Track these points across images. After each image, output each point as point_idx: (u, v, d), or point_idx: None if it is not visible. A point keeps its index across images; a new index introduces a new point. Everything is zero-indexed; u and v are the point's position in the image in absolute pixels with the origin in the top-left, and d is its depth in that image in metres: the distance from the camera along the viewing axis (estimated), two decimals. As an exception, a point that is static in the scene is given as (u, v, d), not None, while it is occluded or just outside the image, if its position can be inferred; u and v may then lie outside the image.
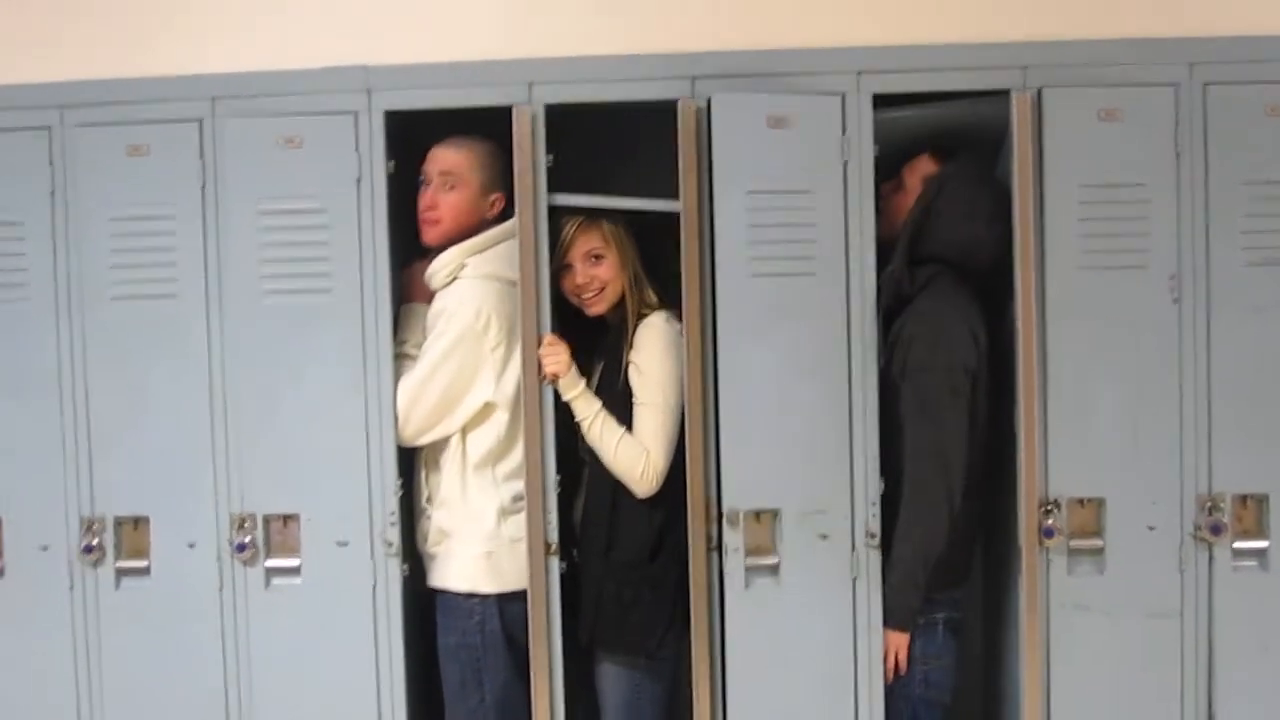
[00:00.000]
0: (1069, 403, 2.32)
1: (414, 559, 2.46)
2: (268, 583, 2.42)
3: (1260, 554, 2.33)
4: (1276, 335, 2.32)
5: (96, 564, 2.43)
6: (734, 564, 2.31)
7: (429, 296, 2.44)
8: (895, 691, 2.35)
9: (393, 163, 2.38)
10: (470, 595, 2.37)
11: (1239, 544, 2.33)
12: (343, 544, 2.39)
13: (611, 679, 2.41)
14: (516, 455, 2.38)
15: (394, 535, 2.38)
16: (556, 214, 2.38)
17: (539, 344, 2.35)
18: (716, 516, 2.32)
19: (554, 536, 2.36)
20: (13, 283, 2.43)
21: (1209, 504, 2.32)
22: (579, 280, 2.42)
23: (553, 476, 2.36)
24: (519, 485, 2.37)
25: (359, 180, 2.36)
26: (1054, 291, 2.31)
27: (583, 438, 2.39)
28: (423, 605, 2.46)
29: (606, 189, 2.41)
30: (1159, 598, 2.32)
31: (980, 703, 2.66)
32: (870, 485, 2.32)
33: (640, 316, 2.42)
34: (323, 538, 2.40)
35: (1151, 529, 2.32)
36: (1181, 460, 2.32)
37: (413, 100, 2.38)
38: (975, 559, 2.51)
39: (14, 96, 2.43)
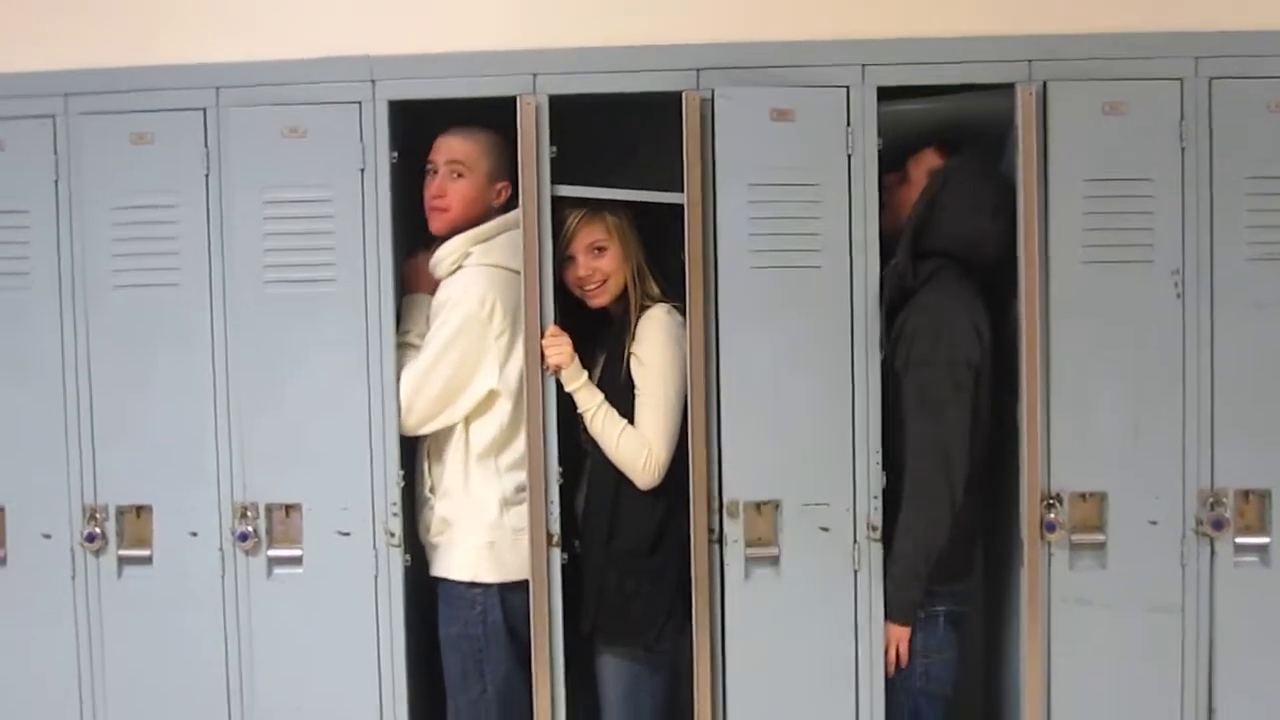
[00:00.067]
0: (1071, 397, 2.32)
1: (416, 549, 2.46)
2: (270, 572, 2.42)
3: (1262, 549, 2.33)
4: (1278, 331, 2.31)
5: (99, 553, 2.44)
6: (734, 554, 2.32)
7: (432, 287, 2.44)
8: (896, 685, 2.35)
9: (396, 153, 2.38)
10: (472, 585, 2.37)
11: (1241, 539, 2.32)
12: (345, 534, 2.40)
13: (611, 670, 2.41)
14: (519, 445, 2.38)
15: (396, 526, 2.39)
16: (560, 205, 2.38)
17: (542, 335, 2.35)
18: (718, 508, 2.33)
19: (556, 527, 2.36)
20: (16, 270, 2.44)
21: (1211, 499, 2.32)
22: (581, 272, 2.42)
23: (555, 467, 2.36)
24: (521, 476, 2.37)
25: (363, 170, 2.36)
26: (1057, 286, 2.31)
27: (585, 429, 2.39)
28: (424, 595, 2.46)
29: (609, 181, 2.41)
30: (1160, 592, 2.32)
31: (981, 697, 2.66)
32: (872, 478, 2.32)
33: (643, 309, 2.42)
34: (325, 527, 2.40)
35: (1153, 524, 2.32)
36: (1184, 455, 2.32)
37: (417, 90, 2.38)
38: (977, 553, 2.51)
39: (18, 84, 2.43)
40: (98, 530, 2.42)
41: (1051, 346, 2.31)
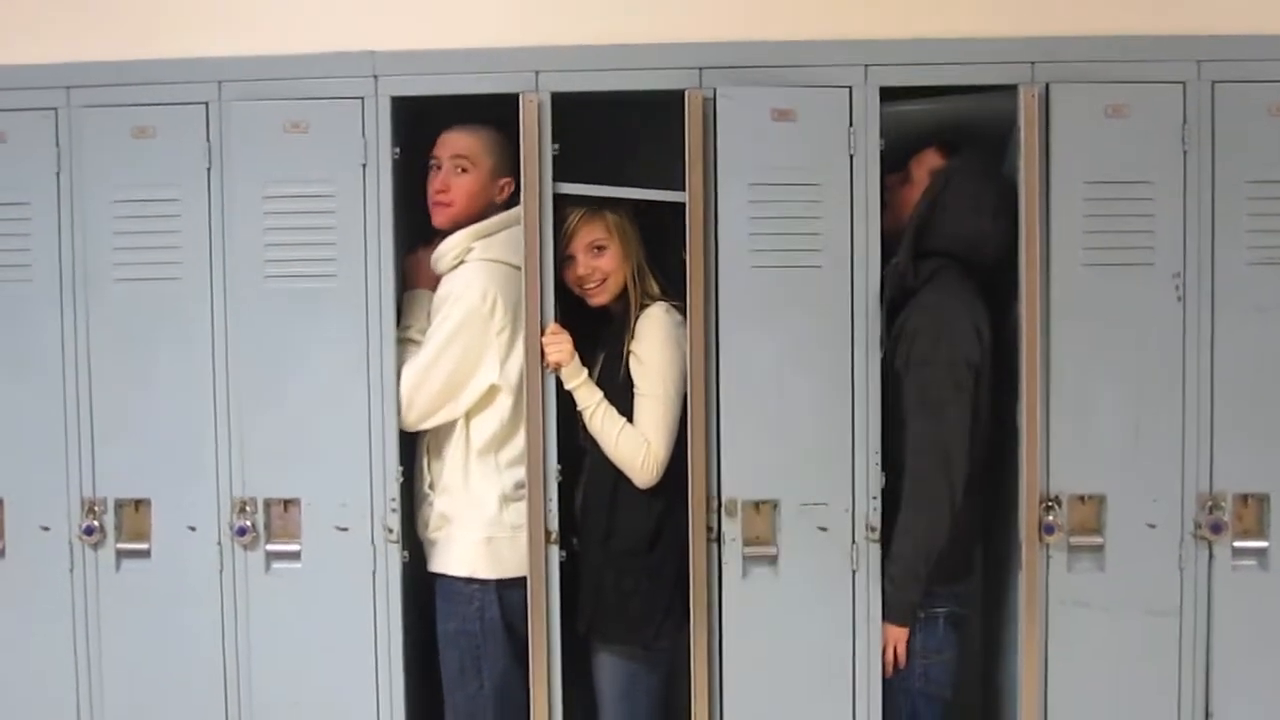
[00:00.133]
0: (1071, 399, 2.32)
1: (414, 545, 2.46)
2: (268, 567, 2.42)
3: (1260, 553, 2.33)
4: (1279, 335, 2.31)
5: (97, 546, 2.44)
6: (731, 553, 2.32)
7: (433, 283, 2.44)
8: (895, 685, 2.35)
9: (398, 149, 2.38)
10: (469, 581, 2.37)
11: (1239, 543, 2.33)
12: (343, 529, 2.40)
13: (608, 668, 2.41)
14: (519, 442, 2.38)
15: (395, 522, 2.39)
16: (562, 203, 2.38)
17: (542, 332, 2.35)
18: (717, 507, 2.33)
19: (554, 524, 2.36)
20: (17, 263, 2.44)
21: (1209, 503, 2.32)
22: (581, 271, 2.42)
23: (554, 465, 2.36)
24: (521, 472, 2.37)
25: (364, 165, 2.36)
26: (1058, 287, 2.31)
27: (584, 426, 2.39)
28: (423, 591, 2.46)
29: (611, 179, 2.41)
30: (1158, 595, 2.33)
31: (979, 698, 2.66)
32: (871, 479, 2.33)
33: (642, 307, 2.42)
34: (323, 523, 2.40)
35: (1152, 527, 2.32)
36: (1183, 458, 2.32)
37: (419, 86, 2.38)
38: (977, 554, 2.51)
39: (20, 77, 2.43)
40: (96, 524, 2.42)
41: (1052, 348, 2.31)
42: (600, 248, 2.41)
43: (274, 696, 2.42)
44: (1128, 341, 2.32)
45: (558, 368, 2.36)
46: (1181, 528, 2.32)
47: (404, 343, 2.41)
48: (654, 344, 2.38)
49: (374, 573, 2.40)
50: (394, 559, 2.40)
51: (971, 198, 2.34)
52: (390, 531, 2.39)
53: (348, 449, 2.39)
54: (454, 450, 2.40)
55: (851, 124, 2.31)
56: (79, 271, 2.42)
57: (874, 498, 2.32)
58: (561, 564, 2.38)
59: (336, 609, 2.41)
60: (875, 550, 2.33)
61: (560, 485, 2.38)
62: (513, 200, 2.44)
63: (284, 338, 2.39)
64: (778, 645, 2.34)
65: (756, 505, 2.33)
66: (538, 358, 2.35)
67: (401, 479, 2.40)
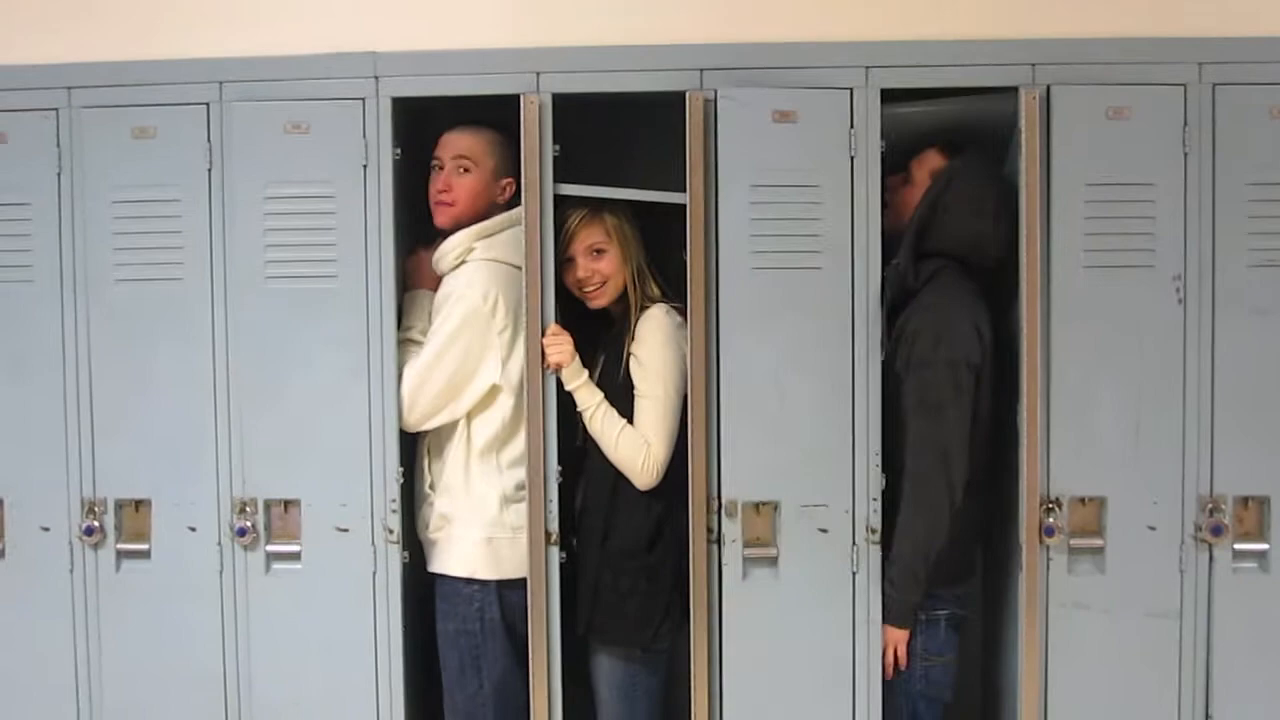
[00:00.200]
0: (1071, 401, 2.32)
1: (414, 546, 2.46)
2: (268, 568, 2.42)
3: (1260, 556, 2.33)
4: (1279, 338, 2.31)
5: (97, 546, 2.44)
6: (731, 554, 2.32)
7: (434, 283, 2.44)
8: (896, 687, 2.35)
9: (399, 150, 2.38)
10: (470, 581, 2.37)
11: (1239, 545, 2.33)
12: (343, 530, 2.40)
13: (606, 670, 2.41)
14: (521, 442, 2.38)
15: (395, 522, 2.39)
16: (562, 203, 2.38)
17: (543, 333, 2.35)
18: (717, 508, 2.33)
19: (554, 525, 2.36)
20: (18, 264, 2.44)
21: (1210, 505, 2.32)
22: (580, 274, 2.42)
23: (554, 466, 2.36)
24: (523, 473, 2.37)
25: (365, 166, 2.36)
26: (1058, 289, 2.31)
27: (584, 427, 2.39)
28: (422, 591, 2.46)
29: (612, 180, 2.41)
30: (1159, 598, 2.32)
31: (979, 699, 2.66)
32: (872, 480, 2.33)
33: (642, 309, 2.42)
34: (323, 524, 2.40)
35: (1152, 529, 2.32)
36: (1183, 461, 2.32)
37: (420, 87, 2.38)
38: (978, 556, 2.51)
39: (21, 77, 2.43)
40: (96, 524, 2.42)
41: (1052, 350, 2.31)
42: (599, 251, 2.41)
43: (274, 697, 2.42)
44: (1128, 343, 2.32)
45: (558, 369, 2.36)
46: (1182, 530, 2.32)
47: (405, 344, 2.41)
48: (654, 346, 2.38)
49: (374, 574, 2.40)
50: (394, 560, 2.40)
51: (972, 199, 2.34)
52: (390, 532, 2.39)
53: (348, 450, 2.39)
54: (455, 450, 2.40)
55: (852, 125, 2.31)
56: (79, 272, 2.42)
57: (874, 499, 2.32)
58: (561, 565, 2.38)
59: (336, 610, 2.41)
60: (875, 552, 2.33)
61: (561, 487, 2.38)
62: (514, 201, 2.44)
63: (284, 338, 2.39)
64: (778, 647, 2.34)
65: (757, 506, 2.33)
66: (538, 359, 2.35)
67: (402, 479, 2.40)
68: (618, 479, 2.36)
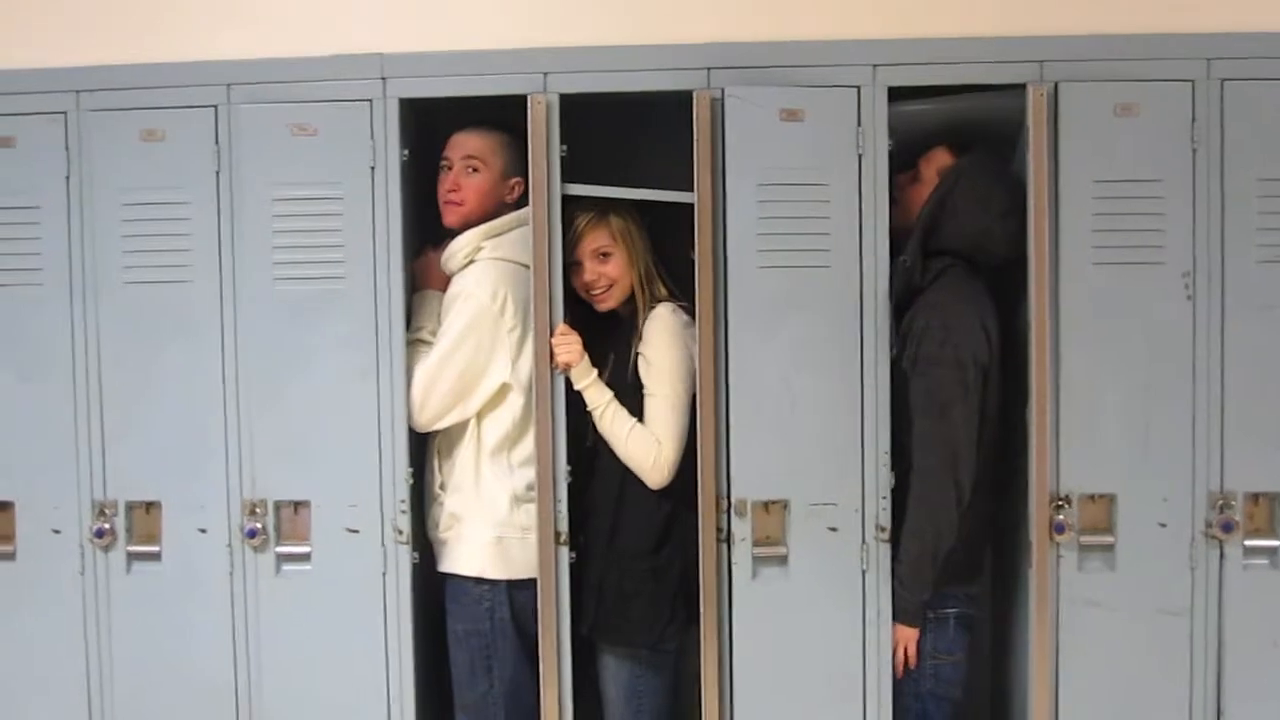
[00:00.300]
0: (1081, 398, 2.31)
1: (424, 546, 2.46)
2: (278, 569, 2.42)
3: (1271, 552, 2.33)
4: (1289, 334, 2.32)
5: (107, 548, 2.44)
6: (741, 553, 2.32)
7: (443, 283, 2.44)
8: (905, 686, 2.35)
9: (406, 151, 2.39)
10: (479, 581, 2.37)
11: (1250, 542, 2.32)
12: (353, 531, 2.40)
13: (613, 670, 2.41)
14: (531, 441, 2.38)
15: (405, 523, 2.39)
16: (570, 203, 2.38)
17: (551, 333, 2.35)
18: (726, 507, 2.33)
19: (564, 526, 2.36)
20: (27, 266, 2.44)
21: (1220, 502, 2.31)
22: (587, 277, 2.42)
23: (564, 466, 2.36)
24: (533, 472, 2.37)
25: (373, 167, 2.37)
26: (1067, 286, 2.30)
27: (593, 426, 2.39)
28: (433, 591, 2.46)
29: (619, 180, 2.41)
30: (1169, 595, 2.32)
31: (989, 697, 2.66)
32: (881, 479, 2.32)
33: (650, 309, 2.42)
34: (333, 525, 2.40)
35: (1162, 526, 2.32)
36: (1193, 457, 2.32)
37: (428, 88, 2.38)
38: (988, 554, 2.51)
39: (30, 81, 2.43)
40: (107, 526, 2.42)
41: (1061, 347, 2.31)
42: (606, 254, 2.41)
43: (284, 698, 2.42)
44: (1138, 340, 2.31)
45: (567, 368, 2.36)
46: (1192, 527, 2.32)
47: (414, 344, 2.41)
48: (661, 345, 2.38)
49: (384, 574, 2.40)
50: (404, 560, 2.40)
51: (981, 197, 2.33)
52: (400, 533, 2.39)
53: (357, 451, 2.39)
54: (465, 450, 2.40)
55: (860, 124, 2.31)
56: (89, 274, 2.42)
57: (884, 497, 2.32)
58: (571, 565, 2.38)
59: (346, 611, 2.41)
60: (885, 550, 2.33)
61: (571, 487, 2.38)
62: (523, 200, 2.44)
63: (293, 340, 2.39)
64: (788, 645, 2.34)
65: (766, 505, 2.33)
66: (547, 358, 2.35)
67: (411, 480, 2.40)
68: (624, 479, 2.36)
